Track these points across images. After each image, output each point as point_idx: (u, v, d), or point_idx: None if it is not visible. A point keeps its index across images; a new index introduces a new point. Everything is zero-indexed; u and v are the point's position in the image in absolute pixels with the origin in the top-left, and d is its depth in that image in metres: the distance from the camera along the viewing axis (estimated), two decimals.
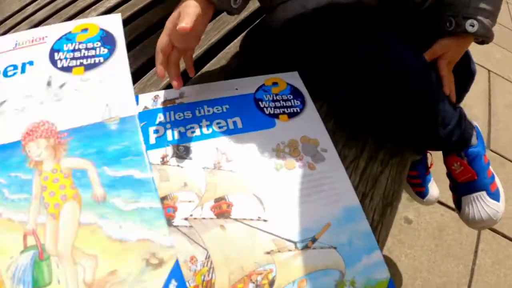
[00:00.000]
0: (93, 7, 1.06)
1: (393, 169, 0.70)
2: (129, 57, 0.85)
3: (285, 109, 0.67)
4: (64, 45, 0.52)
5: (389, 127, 0.72)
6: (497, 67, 2.72)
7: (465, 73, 0.92)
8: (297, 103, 0.68)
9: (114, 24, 0.54)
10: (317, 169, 0.58)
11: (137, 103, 0.66)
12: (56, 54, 0.50)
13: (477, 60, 2.70)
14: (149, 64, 0.85)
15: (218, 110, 0.65)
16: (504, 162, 1.98)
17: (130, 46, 0.89)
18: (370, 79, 0.67)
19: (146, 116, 0.64)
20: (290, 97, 0.69)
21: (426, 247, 1.57)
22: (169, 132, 0.61)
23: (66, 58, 0.50)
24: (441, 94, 0.74)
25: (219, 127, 0.63)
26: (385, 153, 0.72)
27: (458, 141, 0.81)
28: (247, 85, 0.70)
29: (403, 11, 0.78)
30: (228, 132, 0.62)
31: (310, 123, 0.65)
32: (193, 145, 0.60)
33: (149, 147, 0.59)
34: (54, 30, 0.53)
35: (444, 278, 1.48)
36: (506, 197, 1.80)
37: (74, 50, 0.51)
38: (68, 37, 0.53)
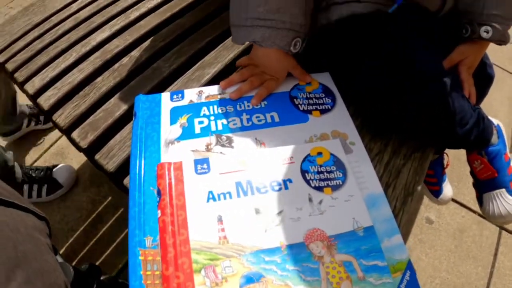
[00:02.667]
0: (135, 7, 1.15)
1: (415, 162, 0.78)
2: (172, 54, 0.96)
3: (318, 106, 0.76)
4: (310, 167, 0.65)
5: (411, 126, 0.80)
6: None
7: (482, 78, 0.97)
8: (328, 100, 0.77)
9: (339, 149, 0.69)
10: (346, 163, 0.67)
11: (183, 97, 0.76)
12: (306, 174, 0.64)
13: (503, 65, 2.69)
14: (190, 61, 0.96)
15: (257, 106, 0.75)
16: None
17: (171, 45, 1.00)
18: (391, 82, 0.75)
19: (192, 108, 0.74)
20: (322, 95, 0.78)
21: (446, 247, 1.61)
22: (212, 123, 0.71)
23: (315, 179, 0.64)
24: (459, 95, 0.80)
25: (258, 120, 0.72)
26: (407, 148, 0.80)
27: (477, 140, 0.86)
28: (283, 84, 0.79)
29: (421, 22, 0.84)
30: (266, 125, 0.72)
31: (340, 119, 0.74)
32: (235, 136, 0.69)
33: (195, 136, 0.70)
34: (297, 152, 0.67)
35: (462, 279, 1.53)
36: None
37: (318, 173, 0.65)
38: (309, 159, 0.66)
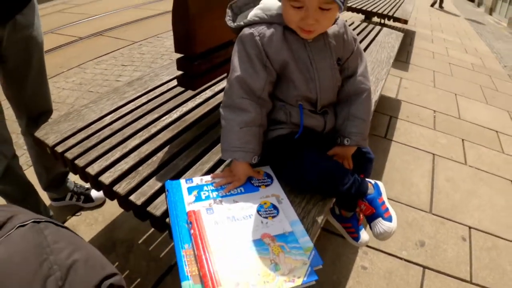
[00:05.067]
0: (153, 124, 1.93)
1: (319, 207, 1.54)
2: (183, 156, 1.74)
3: (263, 183, 1.56)
4: (261, 209, 1.38)
5: (315, 190, 1.58)
6: (441, 150, 3.56)
7: (364, 161, 1.75)
8: (269, 180, 1.58)
9: (275, 202, 1.47)
10: (279, 207, 1.44)
11: (192, 182, 1.54)
12: (259, 212, 1.37)
13: (423, 147, 3.76)
14: (194, 160, 1.72)
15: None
16: (444, 222, 2.72)
17: (181, 151, 1.77)
18: (298, 174, 1.55)
19: (198, 187, 1.52)
20: (265, 178, 1.59)
21: (379, 286, 2.21)
22: (210, 194, 1.49)
23: (263, 214, 1.36)
24: (341, 172, 1.55)
25: (234, 191, 1.50)
26: (315, 199, 1.57)
27: (357, 193, 1.56)
28: None
29: (314, 136, 1.64)
30: (238, 193, 1.49)
31: (276, 188, 1.54)
32: (223, 199, 1.47)
33: (202, 200, 1.45)
34: (255, 204, 1.44)
35: None
36: (446, 246, 2.58)
37: (265, 211, 1.38)
38: (261, 206, 1.40)
